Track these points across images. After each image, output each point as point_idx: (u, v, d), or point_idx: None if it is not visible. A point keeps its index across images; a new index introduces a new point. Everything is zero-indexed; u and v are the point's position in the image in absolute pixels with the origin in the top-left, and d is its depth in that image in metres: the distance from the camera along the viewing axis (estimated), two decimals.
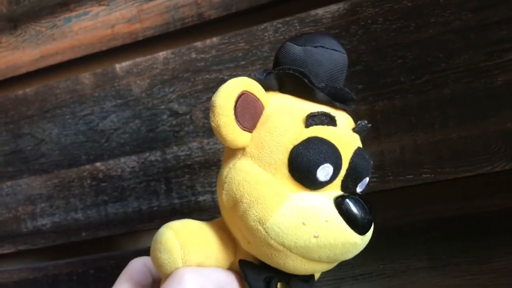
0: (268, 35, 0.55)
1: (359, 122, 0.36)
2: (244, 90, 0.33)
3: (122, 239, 0.62)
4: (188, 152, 0.57)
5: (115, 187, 0.60)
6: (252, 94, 0.33)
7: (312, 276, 0.37)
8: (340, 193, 0.34)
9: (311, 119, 0.33)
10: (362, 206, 0.33)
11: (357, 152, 0.34)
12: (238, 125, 0.33)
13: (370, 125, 0.36)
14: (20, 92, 0.65)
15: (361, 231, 0.33)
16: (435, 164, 0.50)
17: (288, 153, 0.33)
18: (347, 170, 0.34)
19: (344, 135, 0.34)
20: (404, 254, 0.51)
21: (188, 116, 0.57)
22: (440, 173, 0.50)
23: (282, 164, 0.33)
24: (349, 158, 0.34)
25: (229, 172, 0.34)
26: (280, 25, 0.54)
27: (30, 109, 0.64)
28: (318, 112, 0.33)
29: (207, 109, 0.56)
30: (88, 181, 0.62)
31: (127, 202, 0.60)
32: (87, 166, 0.62)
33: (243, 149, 0.34)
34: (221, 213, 0.36)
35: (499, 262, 0.49)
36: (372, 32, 0.51)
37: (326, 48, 0.35)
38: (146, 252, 0.59)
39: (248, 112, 0.33)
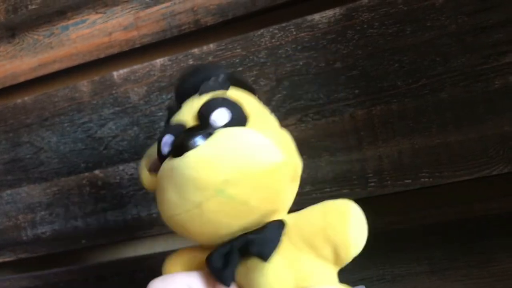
0: (264, 40, 0.55)
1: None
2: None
3: (121, 246, 0.62)
4: None
5: (114, 194, 0.60)
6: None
7: (264, 226, 0.35)
8: None
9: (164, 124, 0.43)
10: (182, 133, 0.36)
11: (203, 105, 0.37)
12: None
13: (222, 76, 0.39)
14: (19, 100, 0.65)
15: (181, 150, 0.34)
16: (434, 168, 0.50)
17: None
18: (199, 122, 0.37)
19: (185, 109, 0.38)
20: (404, 258, 0.51)
21: None
22: (438, 177, 0.49)
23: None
24: (196, 115, 0.37)
25: None
26: (276, 31, 0.54)
27: (29, 118, 0.64)
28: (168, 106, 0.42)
29: None
30: (87, 189, 0.62)
31: (126, 209, 0.60)
32: (86, 174, 0.62)
33: None
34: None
35: (498, 266, 0.48)
36: (368, 36, 0.51)
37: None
38: (146, 259, 0.60)
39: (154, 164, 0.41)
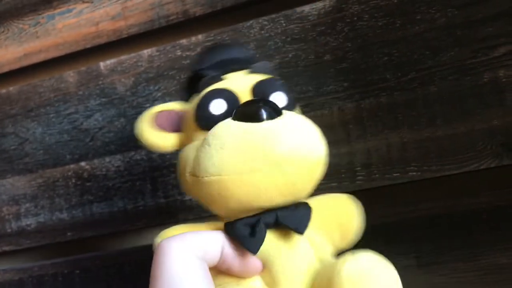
0: (254, 32, 0.54)
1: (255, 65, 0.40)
2: (157, 111, 0.41)
3: (108, 239, 0.62)
4: None
5: (100, 186, 0.60)
6: (163, 110, 0.41)
7: (302, 204, 0.37)
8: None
9: (201, 87, 0.39)
10: (252, 101, 0.36)
11: (258, 83, 0.38)
12: (163, 130, 0.40)
13: (268, 63, 0.41)
14: (4, 91, 0.64)
15: (258, 117, 0.34)
16: (422, 162, 0.49)
17: (193, 118, 0.38)
18: (254, 98, 0.37)
19: (235, 80, 0.38)
20: (391, 252, 0.51)
21: None
22: (426, 171, 0.49)
23: (194, 129, 0.38)
24: (250, 91, 0.37)
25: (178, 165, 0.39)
26: (266, 22, 0.54)
27: (14, 108, 0.63)
28: (205, 78, 0.39)
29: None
30: (73, 181, 0.61)
31: (113, 201, 0.59)
32: (72, 166, 0.61)
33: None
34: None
35: (485, 260, 0.49)
36: (358, 29, 0.51)
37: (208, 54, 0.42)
38: (133, 252, 0.59)
39: (165, 121, 0.40)
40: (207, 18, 0.56)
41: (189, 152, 0.36)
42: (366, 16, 0.50)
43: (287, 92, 0.38)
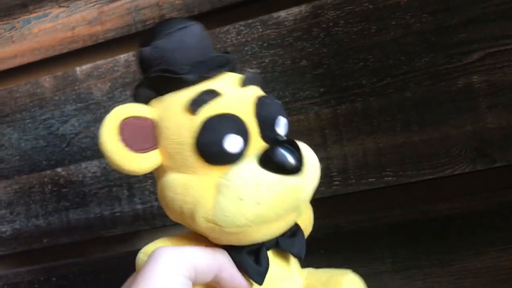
0: (230, 37, 0.54)
1: (245, 73, 0.35)
2: (124, 118, 0.33)
3: (84, 245, 0.61)
4: None
5: (77, 192, 0.59)
6: (132, 117, 0.33)
7: (296, 228, 0.37)
8: (259, 148, 0.33)
9: (194, 105, 0.32)
10: (285, 148, 0.32)
11: (259, 103, 0.34)
12: (133, 151, 0.33)
13: (257, 71, 0.36)
14: None
15: (294, 170, 0.32)
16: (398, 167, 0.50)
17: (193, 147, 0.32)
18: (258, 124, 0.33)
19: (235, 98, 0.33)
20: (368, 257, 0.51)
21: None
22: (402, 176, 0.49)
23: (194, 160, 0.32)
24: (254, 113, 0.33)
25: (161, 192, 0.34)
26: (242, 28, 0.54)
27: None
28: (196, 95, 0.33)
29: None
30: (49, 187, 0.60)
31: (89, 208, 0.59)
32: (48, 172, 0.60)
33: (162, 167, 0.34)
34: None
35: (461, 265, 0.49)
36: (334, 34, 0.51)
37: (171, 32, 0.34)
38: (110, 259, 0.58)
39: (138, 135, 0.33)
40: None
41: (198, 193, 0.32)
42: (342, 22, 0.50)
43: (286, 115, 0.36)
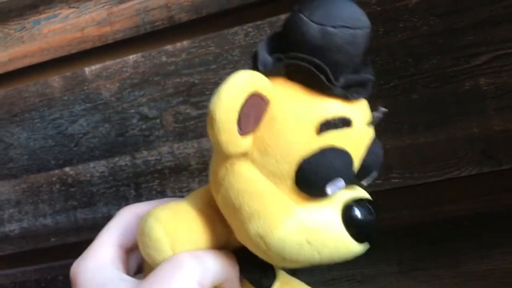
0: (238, 39, 0.54)
1: (374, 113, 0.31)
2: (250, 94, 0.27)
3: None
4: (158, 157, 0.57)
5: (84, 192, 0.59)
6: (256, 94, 0.27)
7: None
8: (347, 197, 0.30)
9: (325, 126, 0.28)
10: (369, 212, 0.30)
11: (370, 148, 0.30)
12: (240, 134, 0.28)
13: (385, 110, 0.31)
14: None
15: (365, 239, 0.30)
16: (404, 169, 0.50)
17: (296, 164, 0.28)
18: (359, 169, 0.30)
19: (359, 134, 0.30)
20: (374, 259, 0.51)
21: (158, 121, 0.57)
22: (408, 178, 0.50)
23: (288, 176, 0.29)
24: (361, 158, 0.30)
25: (227, 175, 0.30)
26: (250, 29, 0.54)
27: None
28: (333, 118, 0.28)
29: (178, 113, 0.56)
30: (57, 186, 0.61)
31: (96, 207, 0.59)
32: (56, 171, 0.61)
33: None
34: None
35: (466, 266, 0.49)
36: None
37: (349, 27, 0.28)
38: None
39: (252, 115, 0.28)
40: (192, 24, 0.56)
41: (271, 206, 0.29)
42: None
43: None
